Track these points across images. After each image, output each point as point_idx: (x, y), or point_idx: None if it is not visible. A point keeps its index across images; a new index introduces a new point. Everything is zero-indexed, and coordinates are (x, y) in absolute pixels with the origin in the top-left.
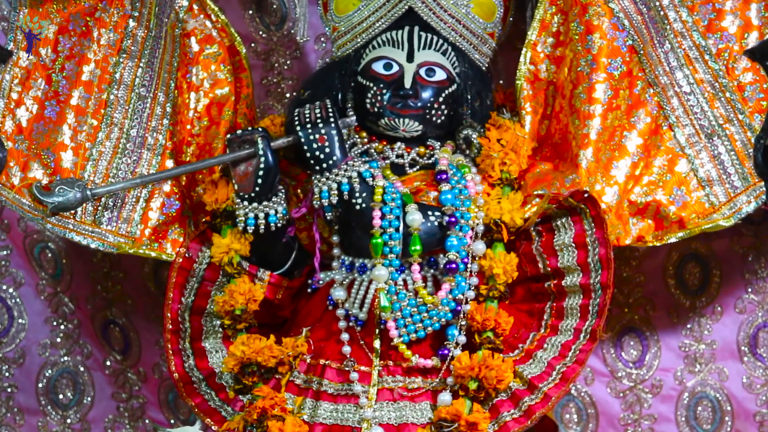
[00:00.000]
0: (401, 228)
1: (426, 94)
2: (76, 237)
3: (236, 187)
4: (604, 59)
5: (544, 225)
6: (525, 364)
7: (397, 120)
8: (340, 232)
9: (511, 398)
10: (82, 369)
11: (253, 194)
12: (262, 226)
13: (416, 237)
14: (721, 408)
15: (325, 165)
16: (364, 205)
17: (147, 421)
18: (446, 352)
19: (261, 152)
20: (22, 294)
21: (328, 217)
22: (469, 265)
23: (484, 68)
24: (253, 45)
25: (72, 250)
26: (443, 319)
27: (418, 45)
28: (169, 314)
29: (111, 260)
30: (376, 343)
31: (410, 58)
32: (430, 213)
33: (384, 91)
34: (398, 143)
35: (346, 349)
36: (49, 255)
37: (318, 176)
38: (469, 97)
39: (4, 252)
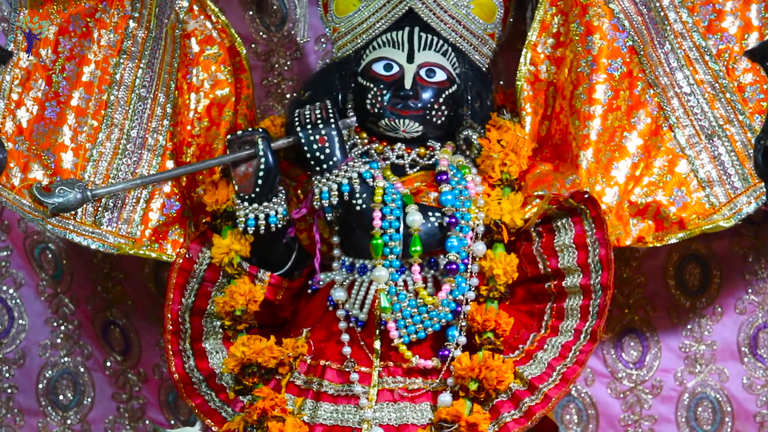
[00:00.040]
0: (401, 229)
1: (426, 95)
2: (77, 238)
3: (236, 187)
4: (605, 60)
5: (545, 226)
6: (525, 364)
7: (397, 121)
8: (341, 233)
9: (511, 399)
10: (82, 370)
11: (253, 195)
12: (263, 227)
13: (416, 238)
14: (722, 409)
15: (325, 166)
16: (364, 205)
17: (147, 422)
18: (446, 352)
19: (261, 153)
20: (23, 295)
21: (329, 218)
22: (469, 266)
23: (484, 69)
24: (253, 46)
25: (72, 251)
26: (443, 320)
27: (418, 46)
28: (169, 315)
29: (111, 261)
30: (377, 344)
31: (410, 58)
32: (430, 214)
33: (384, 91)
34: (398, 144)
35: (347, 349)
36: (50, 256)
37: (318, 177)
38: (469, 97)
39: (5, 253)
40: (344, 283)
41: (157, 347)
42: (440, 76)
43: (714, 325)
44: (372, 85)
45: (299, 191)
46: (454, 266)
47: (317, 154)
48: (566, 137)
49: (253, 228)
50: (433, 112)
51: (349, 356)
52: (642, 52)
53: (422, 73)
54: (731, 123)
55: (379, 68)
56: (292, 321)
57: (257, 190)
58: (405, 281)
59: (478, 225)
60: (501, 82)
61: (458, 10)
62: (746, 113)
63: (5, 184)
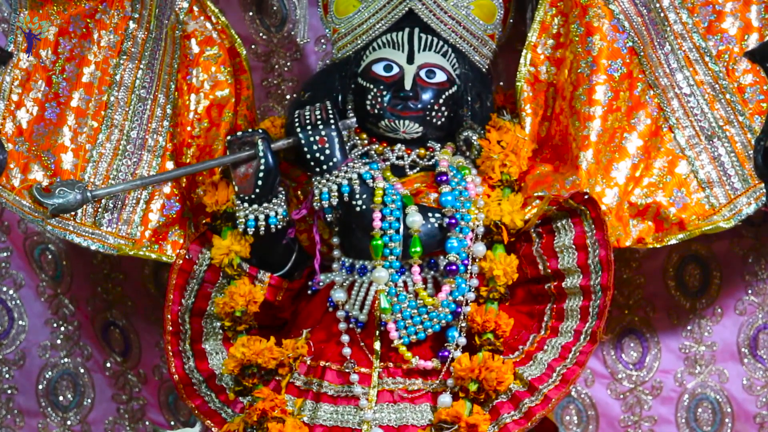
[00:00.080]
0: (401, 230)
1: (426, 96)
2: (77, 239)
3: (236, 188)
4: (605, 61)
5: (545, 227)
6: (525, 365)
7: (397, 122)
8: (341, 234)
9: (511, 400)
10: (82, 371)
11: (253, 196)
12: (263, 228)
13: (416, 239)
14: (722, 410)
15: (325, 167)
16: (364, 206)
17: (147, 423)
18: (446, 353)
19: (261, 154)
20: (23, 296)
21: (329, 219)
22: (469, 267)
23: (484, 70)
24: (253, 47)
25: (72, 252)
26: (443, 321)
27: (418, 47)
28: (169, 316)
29: (111, 262)
30: (377, 345)
31: (410, 59)
32: (430, 215)
33: (384, 92)
34: (398, 145)
35: (347, 350)
36: (50, 257)
37: (318, 178)
38: (469, 98)
39: (5, 254)
40: (344, 284)
41: (157, 348)
42: (440, 77)
43: (714, 326)
44: (372, 86)
45: (299, 192)
46: (454, 267)
47: (317, 155)
48: (566, 138)
49: (253, 229)
50: (433, 113)
51: (349, 357)
52: (642, 53)
53: (422, 74)
54: (731, 124)
55: (379, 69)
56: (292, 322)
57: (257, 191)
58: (405, 282)
59: (478, 226)
60: (501, 83)
61: (458, 11)
62: (746, 114)
63: (5, 185)
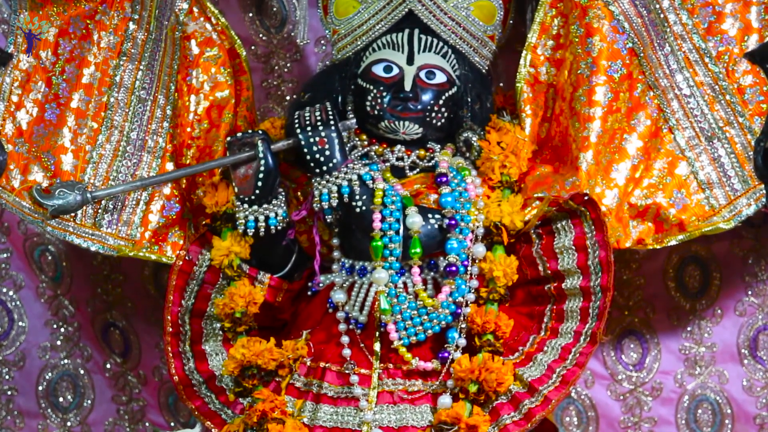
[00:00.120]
0: (401, 231)
1: (426, 97)
2: (76, 240)
3: (236, 189)
4: (604, 62)
5: (544, 228)
6: (525, 366)
7: (397, 123)
8: (340, 235)
9: (511, 401)
10: (82, 372)
11: (253, 197)
12: (262, 229)
13: (416, 240)
14: (721, 411)
15: (325, 168)
16: (364, 207)
17: (147, 424)
18: (446, 354)
19: (261, 155)
20: (22, 297)
21: (328, 220)
22: (469, 268)
23: (484, 71)
24: (253, 48)
25: (72, 253)
26: (443, 322)
27: (418, 48)
28: (169, 317)
29: (111, 263)
30: (377, 346)
31: (410, 60)
32: (430, 216)
33: (384, 93)
34: (398, 146)
35: (346, 351)
36: (49, 258)
37: (318, 179)
38: (469, 99)
39: (4, 255)
40: (344, 285)
41: (156, 349)
42: (440, 78)
43: (714, 327)
44: (372, 87)
45: (299, 193)
46: (453, 268)
47: (317, 156)
48: (566, 139)
49: (253, 230)
50: (433, 114)
51: (348, 358)
52: (642, 54)
53: (422, 75)
54: (731, 125)
55: (378, 70)
56: (291, 323)
57: (257, 192)
58: (405, 283)
59: (477, 227)
60: (501, 84)
61: (458, 12)
62: (746, 115)
63: (5, 186)
